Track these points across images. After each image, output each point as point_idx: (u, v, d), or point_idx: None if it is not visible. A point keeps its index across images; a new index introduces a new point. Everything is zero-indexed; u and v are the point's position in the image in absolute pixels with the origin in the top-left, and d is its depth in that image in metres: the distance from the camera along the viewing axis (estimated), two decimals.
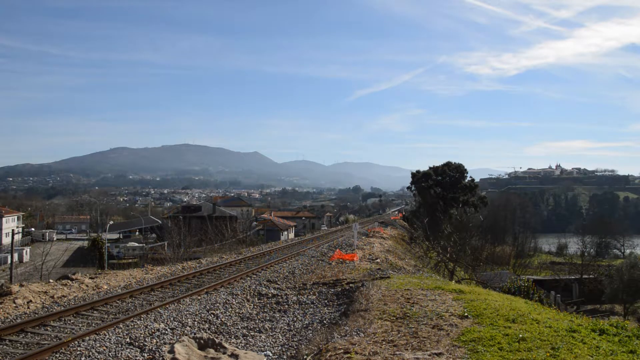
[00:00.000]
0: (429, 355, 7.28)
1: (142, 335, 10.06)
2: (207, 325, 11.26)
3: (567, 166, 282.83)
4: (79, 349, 9.15)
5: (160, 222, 78.85)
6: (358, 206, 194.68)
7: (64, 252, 56.09)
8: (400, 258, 29.30)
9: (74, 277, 16.91)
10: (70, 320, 11.39)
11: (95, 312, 12.31)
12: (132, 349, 9.36)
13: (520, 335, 7.75)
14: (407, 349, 7.71)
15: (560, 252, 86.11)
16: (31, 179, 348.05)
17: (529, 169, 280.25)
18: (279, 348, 9.96)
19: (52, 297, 13.94)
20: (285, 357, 9.48)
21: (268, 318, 12.41)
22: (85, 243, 67.38)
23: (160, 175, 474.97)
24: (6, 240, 67.21)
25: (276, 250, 28.33)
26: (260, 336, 10.81)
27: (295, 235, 73.31)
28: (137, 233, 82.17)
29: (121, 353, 9.06)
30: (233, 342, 10.24)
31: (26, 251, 60.28)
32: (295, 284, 16.32)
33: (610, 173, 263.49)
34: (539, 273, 61.70)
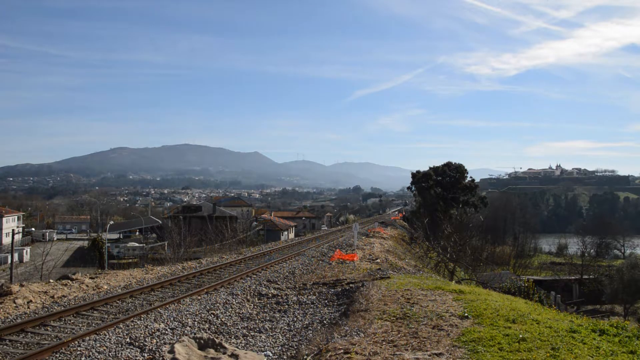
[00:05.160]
0: (429, 355, 7.28)
1: (142, 335, 10.06)
2: (207, 325, 11.26)
3: (567, 166, 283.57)
4: (79, 349, 9.15)
5: (160, 222, 78.87)
6: (358, 206, 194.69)
7: (64, 252, 56.06)
8: (400, 258, 29.29)
9: (74, 277, 16.91)
10: (70, 320, 11.39)
11: (95, 312, 12.30)
12: (132, 349, 9.36)
13: (521, 336, 7.75)
14: (407, 349, 7.71)
15: (560, 252, 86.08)
16: (31, 179, 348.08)
17: (529, 169, 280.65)
18: (279, 348, 9.96)
19: (52, 297, 13.95)
20: (285, 357, 9.48)
21: (268, 318, 12.41)
22: (86, 243, 67.40)
23: (161, 175, 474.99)
24: (6, 240, 67.18)
25: (276, 250, 28.33)
26: (261, 336, 10.81)
27: (296, 236, 73.31)
28: (137, 233, 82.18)
29: (121, 353, 9.06)
30: (233, 342, 10.24)
31: (26, 251, 60.23)
32: (295, 284, 16.31)
33: (610, 173, 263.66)
34: (539, 273, 61.70)
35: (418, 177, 67.30)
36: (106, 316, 11.94)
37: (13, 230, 47.08)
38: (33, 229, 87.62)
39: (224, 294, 14.41)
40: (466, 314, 9.60)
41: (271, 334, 10.95)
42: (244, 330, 11.22)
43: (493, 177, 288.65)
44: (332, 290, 14.81)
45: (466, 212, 54.56)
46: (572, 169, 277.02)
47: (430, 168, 67.58)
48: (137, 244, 65.86)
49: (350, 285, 15.01)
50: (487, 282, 29.64)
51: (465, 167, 66.94)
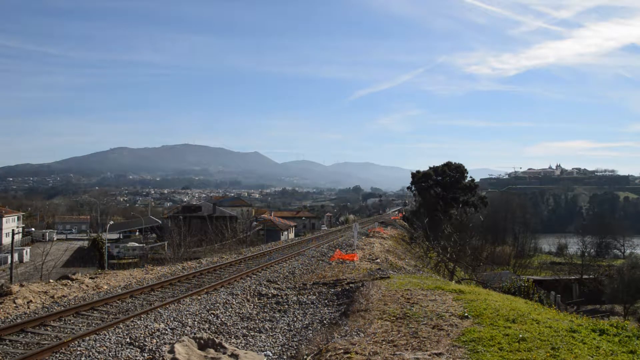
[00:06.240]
0: (429, 355, 7.28)
1: (142, 335, 10.06)
2: (207, 325, 11.26)
3: (567, 166, 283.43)
4: (79, 349, 9.15)
5: (160, 222, 78.90)
6: (358, 206, 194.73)
7: (64, 252, 56.01)
8: (400, 258, 29.30)
9: (74, 277, 16.91)
10: (70, 320, 11.39)
11: (95, 312, 12.30)
12: (132, 349, 9.36)
13: (521, 336, 7.76)
14: (407, 349, 7.71)
15: (560, 252, 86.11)
16: (31, 179, 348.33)
17: (529, 169, 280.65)
18: (279, 348, 9.96)
19: (52, 297, 13.94)
20: (285, 357, 9.48)
21: (268, 318, 12.41)
22: (86, 243, 67.39)
23: (160, 175, 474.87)
24: (6, 240, 67.18)
25: (276, 250, 28.33)
26: (260, 336, 10.81)
27: (296, 236, 73.31)
28: (137, 233, 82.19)
29: (121, 353, 9.06)
30: (233, 342, 10.24)
31: (26, 251, 60.22)
32: (295, 284, 16.31)
33: (610, 173, 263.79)
34: (539, 273, 61.73)
35: (418, 177, 67.24)
36: (106, 316, 11.94)
37: (13, 230, 47.11)
38: (33, 229, 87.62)
39: (224, 294, 14.41)
40: (466, 314, 9.60)
41: (271, 334, 10.96)
42: (244, 330, 11.23)
43: (493, 177, 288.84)
44: (332, 290, 14.81)
45: (466, 212, 54.56)
46: (572, 169, 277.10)
47: (430, 168, 67.52)
48: (137, 244, 65.88)
49: (350, 285, 15.01)
50: (487, 282, 29.67)
51: (465, 167, 66.84)
